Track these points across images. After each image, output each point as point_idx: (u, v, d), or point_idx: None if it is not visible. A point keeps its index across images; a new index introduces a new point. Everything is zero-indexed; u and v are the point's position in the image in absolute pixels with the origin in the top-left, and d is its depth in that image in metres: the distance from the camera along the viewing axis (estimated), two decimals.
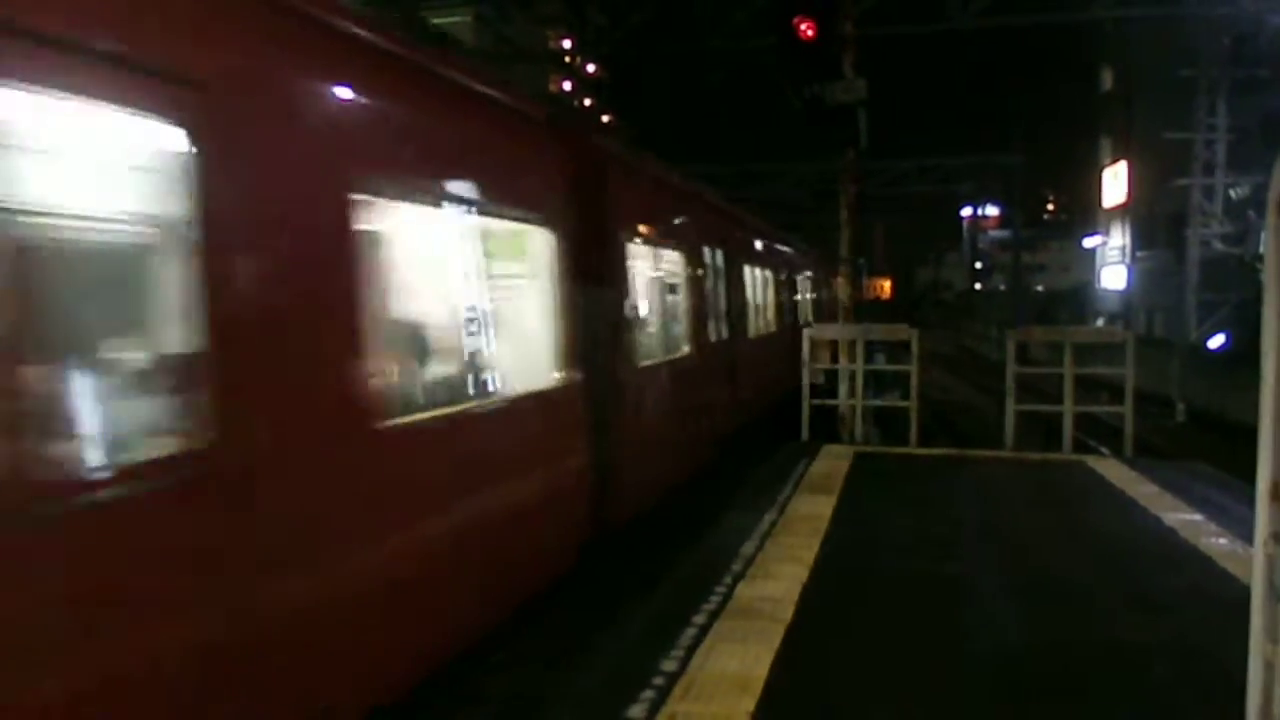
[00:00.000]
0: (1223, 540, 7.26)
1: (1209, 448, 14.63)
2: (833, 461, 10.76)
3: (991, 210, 62.24)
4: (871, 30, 15.34)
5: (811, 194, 38.17)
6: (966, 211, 62.59)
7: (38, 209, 3.11)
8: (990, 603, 6.07)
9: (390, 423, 4.77)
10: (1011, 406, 11.62)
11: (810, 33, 12.54)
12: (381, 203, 4.83)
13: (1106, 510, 8.59)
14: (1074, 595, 6.21)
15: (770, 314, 17.95)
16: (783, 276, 19.97)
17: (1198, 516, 8.05)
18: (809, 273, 25.27)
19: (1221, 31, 24.82)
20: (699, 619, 5.66)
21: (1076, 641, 5.42)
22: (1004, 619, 5.78)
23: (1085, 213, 54.30)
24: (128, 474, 3.34)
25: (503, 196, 6.50)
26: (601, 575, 7.21)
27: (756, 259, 16.78)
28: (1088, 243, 53.24)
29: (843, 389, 12.73)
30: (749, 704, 4.53)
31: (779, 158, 37.92)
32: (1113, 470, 10.24)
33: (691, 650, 5.19)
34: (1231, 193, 26.97)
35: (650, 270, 10.17)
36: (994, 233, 66.59)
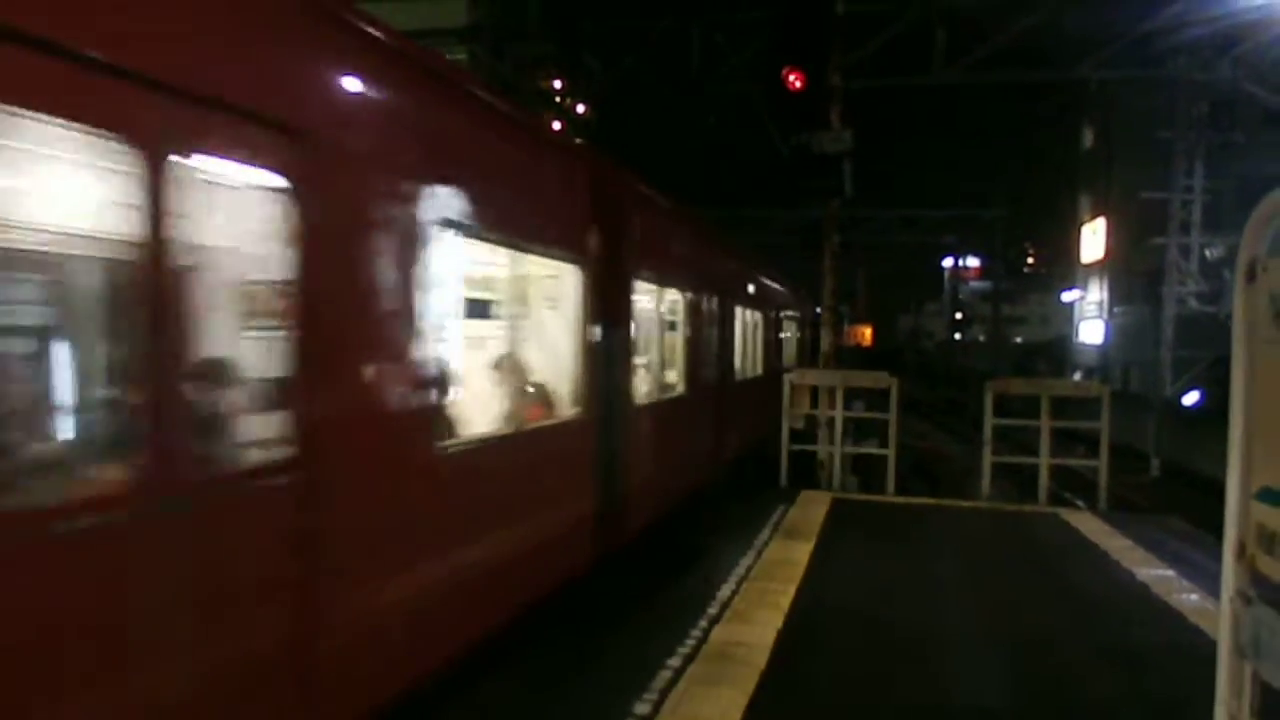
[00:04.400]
0: (1194, 596, 7.33)
1: (1183, 503, 14.74)
2: (810, 507, 10.79)
3: (973, 261, 62.90)
4: (858, 83, 15.61)
5: (799, 240, 38.50)
6: (948, 262, 63.27)
7: None
8: (962, 654, 6.10)
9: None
10: (988, 457, 11.71)
11: (799, 84, 12.76)
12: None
13: (1080, 564, 8.65)
14: (1047, 649, 6.24)
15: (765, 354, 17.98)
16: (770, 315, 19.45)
17: (1170, 572, 8.12)
18: (793, 312, 22.63)
19: (1200, 96, 25.41)
20: (674, 662, 5.66)
21: (1048, 695, 5.45)
22: (975, 671, 5.80)
23: (1064, 267, 54.99)
24: None
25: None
26: (578, 614, 7.18)
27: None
28: (1066, 297, 53.83)
29: (822, 435, 12.79)
30: None
31: (768, 203, 38.28)
32: (1086, 523, 10.31)
33: (665, 694, 5.18)
34: (1207, 253, 27.46)
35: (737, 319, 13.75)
36: (975, 284, 67.27)
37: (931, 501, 11.81)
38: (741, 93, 17.70)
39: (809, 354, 22.85)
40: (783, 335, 19.74)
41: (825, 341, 15.46)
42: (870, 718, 5.09)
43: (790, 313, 21.40)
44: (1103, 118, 45.33)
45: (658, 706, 5.01)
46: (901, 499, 11.76)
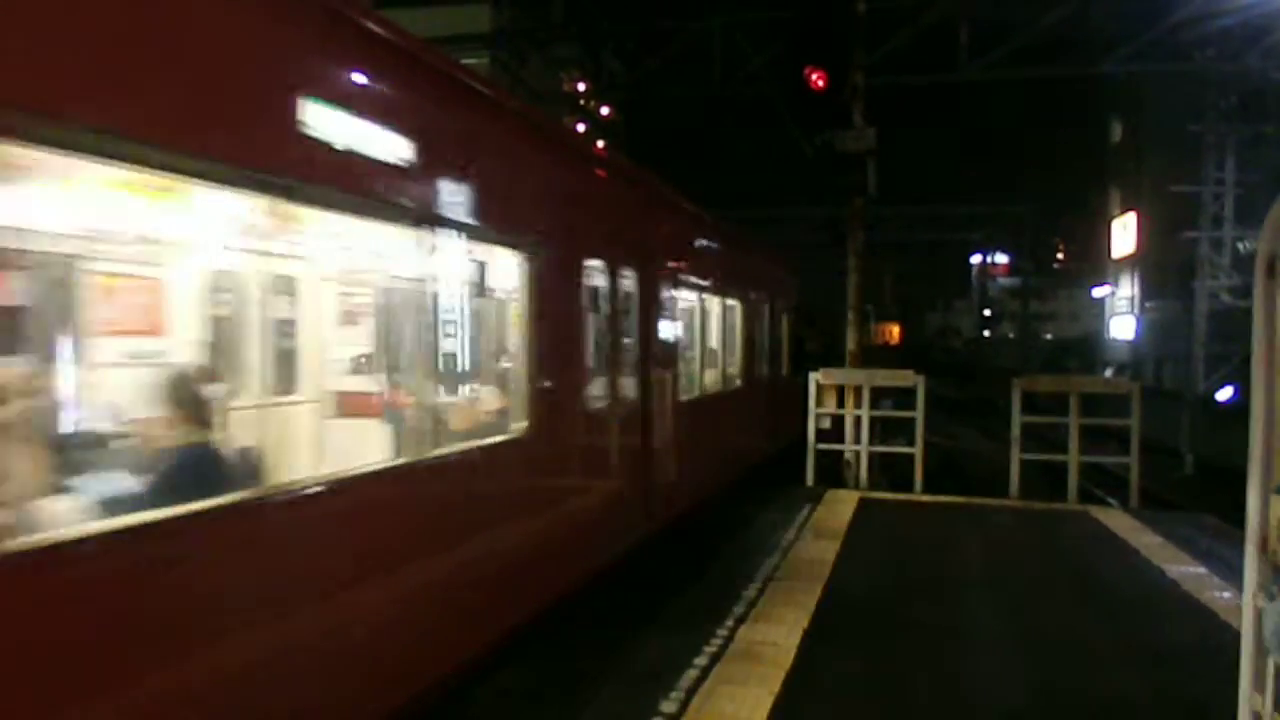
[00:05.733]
0: (1226, 594, 7.25)
1: (1216, 500, 14.57)
2: (837, 507, 10.78)
3: (1001, 258, 62.44)
4: (882, 80, 15.56)
5: (823, 238, 38.45)
6: (976, 259, 62.85)
7: None
8: (991, 653, 6.09)
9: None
10: (1017, 455, 11.64)
11: (821, 83, 12.78)
12: None
13: (1110, 562, 8.58)
14: (1075, 647, 6.21)
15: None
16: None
17: (1201, 569, 8.05)
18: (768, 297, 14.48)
19: (1230, 88, 25.10)
20: (700, 660, 5.69)
21: (1077, 694, 5.43)
22: (1004, 669, 5.79)
23: (1094, 262, 54.45)
24: None
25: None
26: (604, 612, 7.23)
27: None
28: (1097, 292, 53.33)
29: (848, 434, 12.77)
30: None
31: (791, 202, 38.23)
32: (1117, 521, 10.23)
33: (691, 692, 5.21)
34: (1239, 246, 27.07)
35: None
36: (1003, 280, 66.76)
37: (960, 500, 11.74)
38: (763, 93, 17.69)
39: (794, 360, 15.55)
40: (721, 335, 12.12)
41: (851, 340, 15.45)
42: (897, 718, 5.09)
43: (762, 298, 13.79)
44: (1132, 111, 44.86)
45: (684, 705, 5.04)
46: (930, 497, 11.71)
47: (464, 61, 7.14)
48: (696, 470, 9.94)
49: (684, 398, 9.68)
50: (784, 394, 14.16)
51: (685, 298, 10.20)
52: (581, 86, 27.76)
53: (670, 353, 9.15)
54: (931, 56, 16.80)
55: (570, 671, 6.04)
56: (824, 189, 15.19)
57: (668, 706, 5.02)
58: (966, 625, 6.63)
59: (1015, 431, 11.67)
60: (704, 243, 11.48)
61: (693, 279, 10.33)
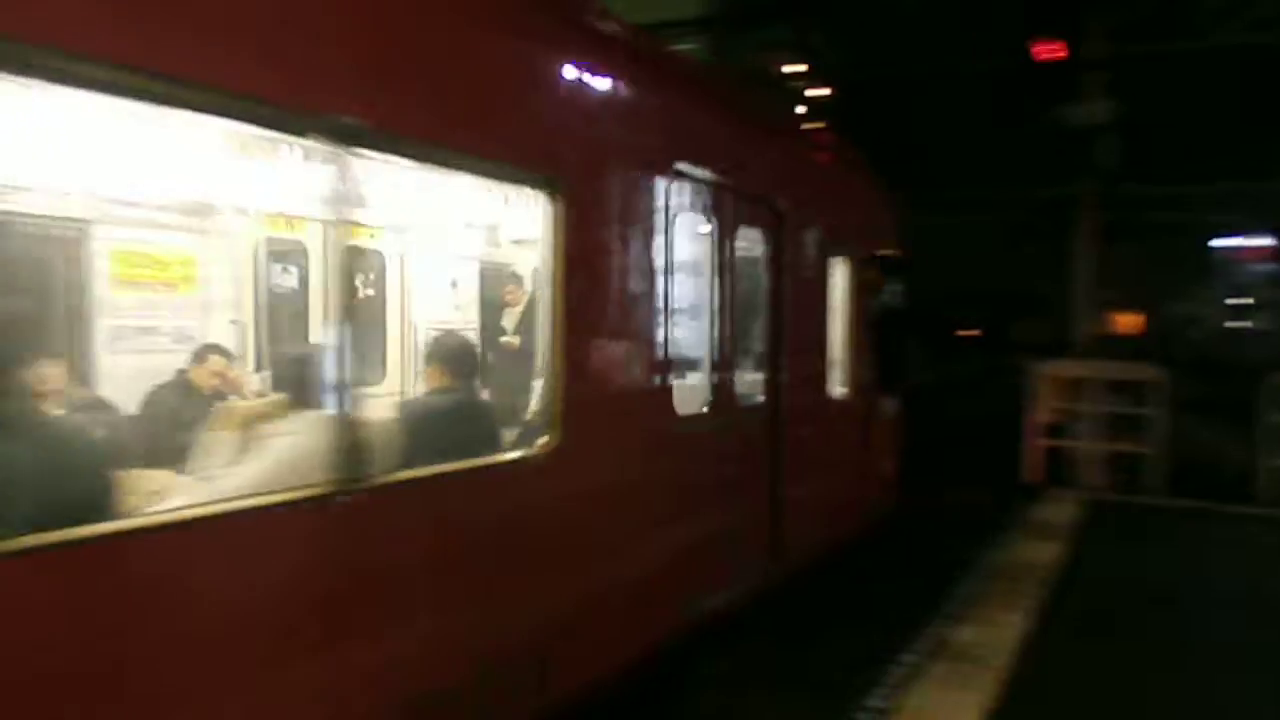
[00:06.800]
0: None
1: None
2: (1060, 506, 10.21)
3: (1260, 241, 56.79)
4: (1121, 49, 14.46)
5: (1046, 219, 36.36)
6: (1230, 241, 57.56)
7: None
8: (1232, 670, 5.59)
9: None
10: (1267, 459, 10.61)
11: (1057, 54, 12.09)
12: None
13: None
14: None
15: None
16: None
17: None
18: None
19: None
20: (908, 658, 5.55)
21: None
22: (1248, 689, 5.30)
23: None
24: None
25: None
26: (812, 604, 7.18)
27: None
28: None
29: (1075, 431, 12.06)
30: None
31: (1018, 182, 36.30)
32: None
33: (898, 690, 5.10)
34: None
35: None
36: (1261, 266, 60.70)
37: (1200, 504, 10.79)
38: (988, 67, 16.88)
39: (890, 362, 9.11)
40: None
41: (1083, 330, 14.62)
42: None
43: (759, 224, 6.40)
44: None
45: (890, 703, 4.94)
46: (1164, 501, 10.85)
47: (676, 48, 7.17)
48: None
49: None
50: (833, 434, 7.86)
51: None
52: (795, 69, 27.46)
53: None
54: (1173, 23, 15.44)
55: (775, 664, 6.03)
56: (1054, 168, 14.37)
57: (874, 702, 4.94)
58: (1204, 640, 6.11)
59: (1265, 432, 10.66)
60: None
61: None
